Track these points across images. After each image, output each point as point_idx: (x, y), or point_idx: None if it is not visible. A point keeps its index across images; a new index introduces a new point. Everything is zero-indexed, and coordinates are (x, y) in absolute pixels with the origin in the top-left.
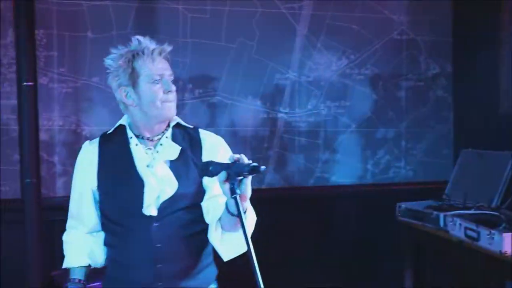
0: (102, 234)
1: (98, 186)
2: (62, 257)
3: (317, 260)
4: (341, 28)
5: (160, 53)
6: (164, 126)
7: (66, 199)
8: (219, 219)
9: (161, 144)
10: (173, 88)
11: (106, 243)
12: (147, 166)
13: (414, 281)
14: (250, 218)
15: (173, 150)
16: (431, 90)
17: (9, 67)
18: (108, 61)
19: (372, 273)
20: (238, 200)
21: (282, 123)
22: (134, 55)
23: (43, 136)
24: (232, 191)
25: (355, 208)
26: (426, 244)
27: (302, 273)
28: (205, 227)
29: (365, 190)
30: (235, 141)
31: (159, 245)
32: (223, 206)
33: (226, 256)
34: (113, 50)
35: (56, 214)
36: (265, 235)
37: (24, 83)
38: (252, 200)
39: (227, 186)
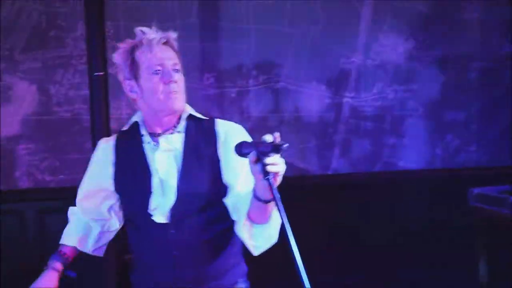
0: (100, 223)
1: (115, 187)
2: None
3: (385, 247)
4: (408, 9)
5: (159, 42)
6: (174, 119)
7: None
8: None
9: (174, 140)
10: (176, 77)
11: (129, 241)
12: (159, 166)
13: (488, 269)
14: (275, 221)
15: (176, 140)
16: (504, 70)
17: (79, 59)
18: (115, 56)
19: (444, 260)
20: (271, 181)
21: (348, 107)
22: (134, 47)
23: (112, 124)
24: (264, 173)
25: (424, 194)
26: (501, 230)
27: (371, 259)
28: (228, 226)
29: (434, 175)
30: (299, 127)
31: (177, 253)
32: (250, 198)
33: (257, 250)
34: (120, 45)
35: None
36: (333, 220)
37: (95, 73)
38: (318, 186)
39: (257, 167)
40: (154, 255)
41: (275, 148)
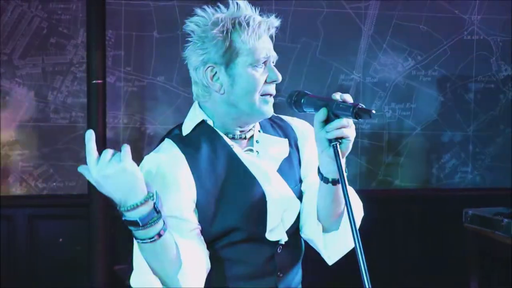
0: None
1: (197, 205)
2: (124, 252)
3: (378, 265)
4: (408, 28)
5: (268, 29)
6: None
7: None
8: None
9: (257, 142)
10: (279, 78)
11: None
12: (263, 175)
13: None
14: (355, 205)
15: (280, 146)
16: (502, 93)
17: (79, 66)
18: (192, 26)
19: (435, 281)
20: (338, 149)
21: None
22: (235, 25)
23: (108, 133)
24: (332, 138)
25: (419, 213)
26: (495, 252)
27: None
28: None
29: (429, 195)
30: None
31: (281, 274)
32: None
33: (331, 259)
34: (199, 12)
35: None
36: None
37: (94, 81)
38: None
39: (324, 130)
40: (254, 282)
41: (357, 113)
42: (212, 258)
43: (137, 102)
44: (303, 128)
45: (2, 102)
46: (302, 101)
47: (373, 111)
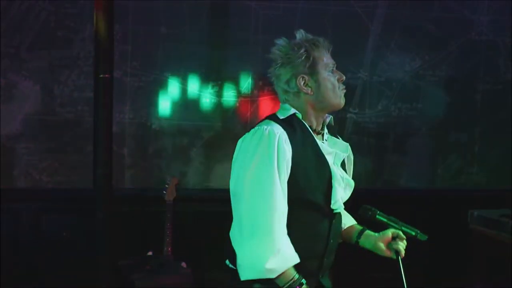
0: None
1: (291, 173)
2: (129, 247)
3: (381, 266)
4: (416, 28)
5: (329, 47)
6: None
7: (135, 191)
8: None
9: (326, 140)
10: (344, 77)
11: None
12: (333, 163)
13: None
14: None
15: (343, 147)
16: (509, 94)
17: (86, 61)
18: (281, 50)
19: (440, 282)
20: (401, 264)
21: (351, 123)
22: (312, 45)
23: (114, 128)
24: (398, 252)
25: (424, 214)
26: (500, 254)
27: (366, 275)
28: None
29: (434, 195)
30: None
31: (332, 240)
32: None
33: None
34: (280, 42)
35: (124, 205)
36: None
37: (101, 75)
38: None
39: (390, 242)
40: (312, 242)
41: (417, 234)
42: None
43: (143, 97)
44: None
45: (9, 95)
46: (377, 216)
47: (426, 237)
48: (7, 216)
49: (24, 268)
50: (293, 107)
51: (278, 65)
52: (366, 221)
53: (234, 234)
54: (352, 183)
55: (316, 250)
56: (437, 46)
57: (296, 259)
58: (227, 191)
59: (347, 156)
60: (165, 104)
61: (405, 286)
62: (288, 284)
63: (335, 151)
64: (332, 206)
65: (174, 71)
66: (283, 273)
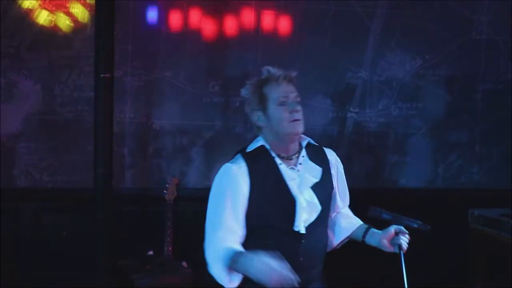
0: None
1: (250, 202)
2: (129, 247)
3: (382, 265)
4: (416, 27)
5: (285, 78)
6: (297, 145)
7: (135, 191)
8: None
9: (300, 164)
10: (298, 108)
11: (248, 245)
12: (298, 187)
13: None
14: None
15: (315, 171)
16: (510, 94)
17: (86, 60)
18: (243, 92)
19: (440, 281)
20: (403, 258)
21: (351, 122)
22: (263, 82)
23: (114, 127)
24: (400, 246)
25: (424, 213)
26: (500, 253)
27: (366, 274)
28: (328, 235)
29: (435, 195)
30: None
31: (302, 259)
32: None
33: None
34: (247, 82)
35: (124, 205)
36: None
37: (102, 75)
38: None
39: (393, 238)
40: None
41: (420, 226)
42: (251, 241)
43: (144, 97)
44: (334, 159)
45: (9, 94)
46: (382, 214)
47: (428, 227)
48: (8, 216)
49: (24, 268)
50: (263, 138)
51: (245, 104)
52: (374, 220)
53: None
54: (319, 207)
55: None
56: (438, 45)
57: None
58: None
59: (337, 176)
60: (165, 104)
61: (405, 281)
62: None
63: (303, 176)
64: (295, 229)
65: (174, 70)
66: None
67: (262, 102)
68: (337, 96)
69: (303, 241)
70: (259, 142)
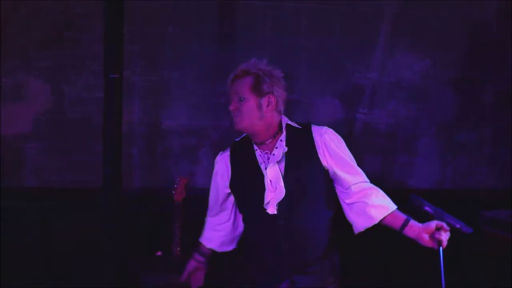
0: (230, 224)
1: (231, 189)
2: (137, 247)
3: (391, 266)
4: (426, 27)
5: (233, 79)
6: (271, 131)
7: (143, 191)
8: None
9: (276, 147)
10: (231, 106)
11: (244, 231)
12: (265, 169)
13: None
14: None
15: (279, 152)
16: None
17: (94, 60)
18: None
19: (450, 283)
20: (442, 254)
21: (360, 123)
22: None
23: (123, 128)
24: (440, 242)
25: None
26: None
27: (375, 276)
28: (327, 217)
29: (444, 196)
30: None
31: (283, 241)
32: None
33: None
34: None
35: (132, 205)
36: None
37: (111, 75)
38: None
39: (433, 233)
40: (264, 242)
41: (462, 227)
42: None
43: (152, 97)
44: (320, 137)
45: (18, 94)
46: (424, 207)
47: (471, 230)
48: (16, 215)
49: (32, 267)
50: None
51: None
52: (413, 211)
53: None
54: (283, 189)
55: (270, 247)
56: (447, 45)
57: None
58: None
59: (328, 152)
60: (173, 104)
61: (443, 278)
62: None
63: (272, 158)
64: (265, 207)
65: (182, 71)
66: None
67: None
68: (346, 97)
69: (279, 223)
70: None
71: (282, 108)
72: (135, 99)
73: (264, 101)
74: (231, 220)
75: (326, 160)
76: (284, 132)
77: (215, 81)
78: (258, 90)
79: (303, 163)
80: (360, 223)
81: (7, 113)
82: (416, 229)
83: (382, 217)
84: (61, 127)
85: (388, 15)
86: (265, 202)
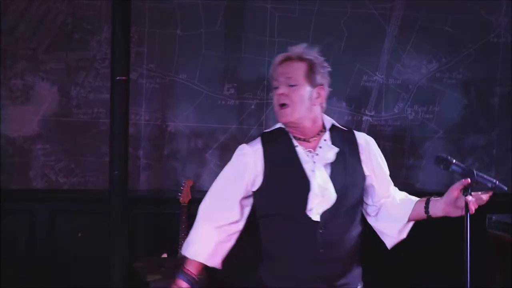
0: (228, 231)
1: (262, 184)
2: (144, 249)
3: (399, 269)
4: (433, 30)
5: (284, 59)
6: (317, 127)
7: (150, 193)
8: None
9: (320, 147)
10: (283, 90)
11: (264, 237)
12: (312, 170)
13: None
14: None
15: (331, 153)
16: None
17: (102, 62)
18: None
19: (456, 286)
20: (468, 218)
21: (367, 126)
22: (274, 64)
23: (130, 129)
24: (465, 193)
25: (440, 217)
26: None
27: (382, 278)
28: (360, 229)
29: None
30: None
31: (322, 250)
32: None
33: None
34: None
35: (139, 207)
36: None
37: (118, 78)
38: None
39: (459, 189)
40: (296, 250)
41: (494, 185)
42: (267, 231)
43: (159, 99)
44: (365, 143)
45: (26, 96)
46: (452, 167)
47: (505, 187)
48: (23, 216)
49: (39, 267)
50: None
51: None
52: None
53: None
54: (333, 194)
55: (304, 256)
56: (454, 48)
57: (192, 255)
58: None
59: (371, 160)
60: (180, 106)
61: (468, 245)
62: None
63: (319, 160)
64: (308, 213)
65: (189, 73)
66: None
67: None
68: (353, 99)
69: (320, 230)
70: (278, 123)
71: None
72: (142, 101)
73: (315, 92)
74: (242, 222)
75: (368, 169)
76: (328, 132)
77: (223, 84)
78: (311, 78)
79: (349, 168)
80: (391, 229)
81: (16, 114)
82: (440, 204)
83: (410, 212)
84: (68, 129)
85: (395, 17)
86: (308, 207)
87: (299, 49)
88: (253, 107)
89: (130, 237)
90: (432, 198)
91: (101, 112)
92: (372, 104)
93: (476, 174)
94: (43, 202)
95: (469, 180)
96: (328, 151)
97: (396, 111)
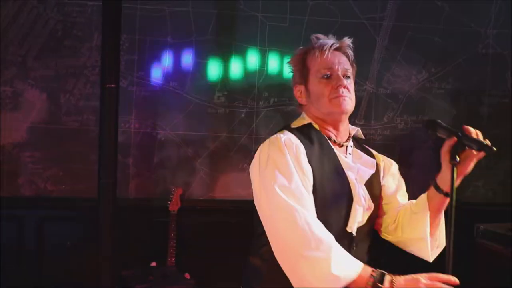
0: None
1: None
2: (132, 257)
3: None
4: (423, 40)
5: (331, 48)
6: (347, 132)
7: (139, 201)
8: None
9: (350, 154)
10: (344, 82)
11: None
12: (355, 179)
13: None
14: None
15: (369, 164)
16: None
17: (92, 70)
18: (288, 62)
19: None
20: (455, 170)
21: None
22: (306, 52)
23: (119, 137)
24: (453, 157)
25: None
26: (506, 268)
27: None
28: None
29: None
30: None
31: None
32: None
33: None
34: (294, 52)
35: (128, 215)
36: None
37: (107, 85)
38: None
39: (448, 151)
40: None
41: (483, 147)
42: None
43: (149, 107)
44: (387, 163)
45: (15, 103)
46: (437, 128)
47: (494, 149)
48: (11, 224)
49: (27, 276)
50: (308, 115)
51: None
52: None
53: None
54: (372, 205)
55: None
56: (444, 58)
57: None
58: (231, 202)
59: (392, 174)
60: (170, 114)
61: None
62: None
63: (358, 167)
64: (348, 229)
65: (179, 81)
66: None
67: (305, 75)
68: None
69: (354, 246)
70: (305, 119)
71: None
72: (132, 108)
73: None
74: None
75: (388, 181)
76: (351, 140)
77: (213, 92)
78: (354, 76)
79: (375, 182)
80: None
81: (5, 121)
82: (444, 175)
83: (427, 206)
84: (57, 136)
85: (385, 27)
86: (352, 220)
87: (345, 40)
88: (243, 115)
89: (118, 245)
90: (435, 181)
91: (90, 120)
92: (362, 113)
93: (462, 134)
94: (31, 209)
95: (455, 138)
96: (362, 159)
97: (385, 120)
